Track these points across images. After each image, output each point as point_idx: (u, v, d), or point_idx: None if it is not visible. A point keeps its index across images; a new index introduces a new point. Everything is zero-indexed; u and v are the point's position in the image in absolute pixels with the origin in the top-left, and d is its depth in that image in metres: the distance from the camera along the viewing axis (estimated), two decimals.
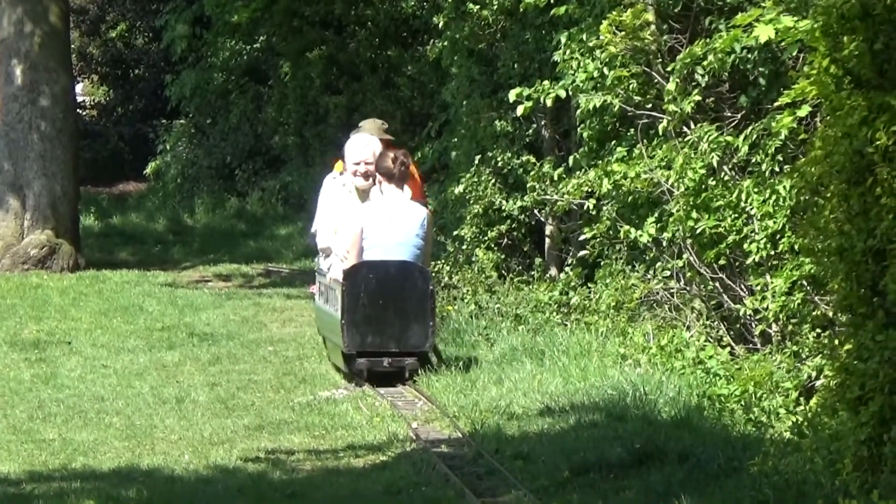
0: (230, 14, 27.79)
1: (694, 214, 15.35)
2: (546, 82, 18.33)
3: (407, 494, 11.48)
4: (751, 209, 14.93)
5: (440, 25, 22.27)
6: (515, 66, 20.03)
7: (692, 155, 15.49)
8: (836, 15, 10.04)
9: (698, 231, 15.47)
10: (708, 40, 15.91)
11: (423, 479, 11.95)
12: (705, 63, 15.82)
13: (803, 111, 14.11)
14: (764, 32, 14.53)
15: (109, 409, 15.06)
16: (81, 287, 23.43)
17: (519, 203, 19.66)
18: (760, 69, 15.82)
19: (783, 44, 14.50)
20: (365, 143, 14.81)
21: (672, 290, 16.76)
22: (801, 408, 12.01)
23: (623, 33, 16.63)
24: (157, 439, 13.90)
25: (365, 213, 13.14)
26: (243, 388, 16.21)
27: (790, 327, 14.13)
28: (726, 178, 15.68)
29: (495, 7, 19.11)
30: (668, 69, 16.58)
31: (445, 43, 21.72)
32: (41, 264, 24.18)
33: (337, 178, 16.06)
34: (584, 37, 18.01)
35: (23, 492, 11.92)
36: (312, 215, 18.79)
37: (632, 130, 17.57)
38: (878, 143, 9.39)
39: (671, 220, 16.21)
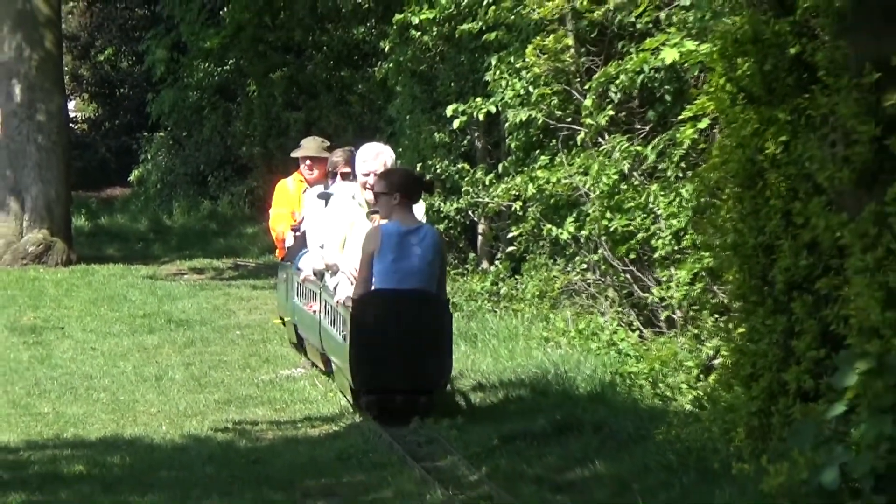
0: (203, 40, 27.69)
1: (608, 215, 15.27)
2: (479, 99, 18.33)
3: (356, 460, 11.43)
4: (657, 210, 14.91)
5: (386, 50, 22.14)
6: (452, 85, 20.02)
7: (606, 162, 15.43)
8: (732, 40, 10.06)
9: (612, 229, 15.42)
10: (620, 62, 15.89)
11: (370, 446, 11.86)
12: (618, 82, 15.80)
13: (703, 124, 14.06)
14: (669, 55, 14.58)
15: (97, 386, 15.03)
16: (73, 279, 23.34)
17: (455, 205, 19.55)
18: (666, 87, 15.78)
19: (686, 65, 14.54)
20: (376, 152, 13.79)
21: (589, 281, 16.73)
22: (701, 384, 11.98)
23: (546, 56, 16.64)
24: (138, 412, 13.87)
25: (377, 235, 11.67)
26: (214, 368, 16.21)
27: (691, 313, 14.12)
28: (636, 182, 15.62)
29: (434, 33, 18.98)
30: (586, 87, 16.54)
31: (391, 65, 21.51)
32: (38, 259, 24.11)
33: (313, 190, 15.73)
34: (512, 59, 18.00)
35: (20, 458, 11.93)
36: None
37: (554, 141, 17.56)
38: (767, 151, 9.43)
39: (588, 219, 16.17)
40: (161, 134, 32.99)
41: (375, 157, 13.32)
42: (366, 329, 11.22)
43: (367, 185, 13.11)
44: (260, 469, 11.56)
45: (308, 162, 16.55)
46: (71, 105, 32.29)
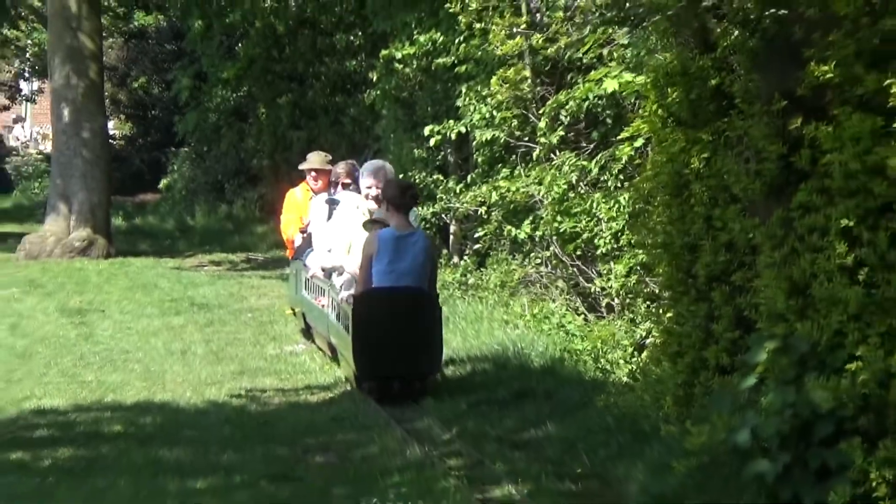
0: (221, 71, 27.55)
1: (558, 218, 15.20)
2: (451, 121, 18.26)
3: (349, 422, 11.40)
4: (600, 214, 14.81)
5: (374, 79, 21.99)
6: (429, 109, 19.86)
7: (557, 175, 15.32)
8: (663, 73, 10.06)
9: (561, 230, 15.36)
10: (569, 91, 15.81)
11: (360, 411, 11.83)
12: (567, 107, 15.72)
13: (638, 143, 13.97)
14: (610, 85, 14.51)
15: (132, 359, 14.99)
16: (112, 270, 23.20)
17: (431, 210, 19.35)
18: (607, 112, 15.76)
19: (624, 93, 14.47)
20: (377, 168, 13.70)
21: (542, 273, 16.61)
22: (635, 359, 11.95)
23: (507, 85, 16.53)
24: (166, 381, 13.81)
25: (375, 240, 11.59)
26: (230, 344, 16.13)
27: (627, 300, 14.06)
28: (582, 191, 15.47)
29: (414, 66, 18.87)
30: (540, 112, 16.43)
31: (378, 92, 21.32)
32: (83, 253, 24.02)
33: (319, 198, 15.51)
34: (479, 88, 17.87)
35: (68, 419, 11.92)
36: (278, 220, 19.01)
37: (513, 157, 17.48)
38: (692, 166, 9.44)
39: (542, 222, 16.05)
40: (185, 149, 32.88)
41: (377, 172, 13.19)
42: (366, 323, 11.10)
43: (370, 196, 13.00)
44: (267, 429, 11.53)
45: (313, 173, 16.31)
46: (111, 125, 32.15)
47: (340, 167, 15.64)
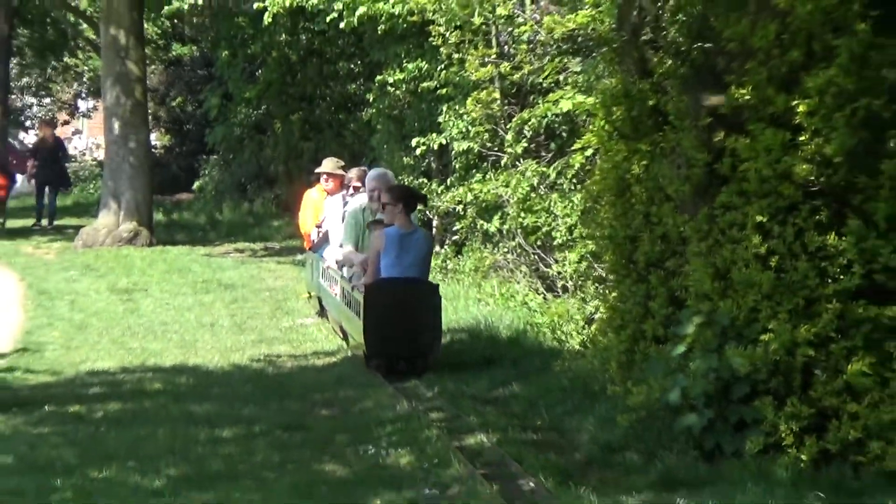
0: (244, 92, 27.32)
1: (522, 215, 15.15)
2: (434, 134, 18.19)
3: (349, 381, 11.37)
4: (556, 211, 14.79)
5: (371, 100, 21.68)
6: (416, 124, 19.58)
7: (521, 179, 15.25)
8: (609, 95, 10.00)
9: (524, 224, 15.30)
10: (531, 109, 15.77)
11: (358, 372, 11.80)
12: (530, 123, 15.67)
13: (589, 152, 13.87)
14: (566, 105, 14.45)
15: (170, 330, 14.96)
16: (153, 256, 22.99)
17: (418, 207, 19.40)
18: (563, 127, 15.71)
19: (577, 112, 14.42)
20: (381, 174, 13.35)
21: (508, 260, 16.49)
22: (586, 331, 11.89)
23: (480, 105, 16.48)
24: (198, 348, 13.80)
25: (383, 237, 11.32)
26: (251, 317, 16.07)
27: (579, 283, 14.02)
28: (542, 193, 15.40)
29: (403, 89, 18.79)
30: (507, 127, 16.32)
31: (374, 110, 21.12)
32: (130, 242, 23.78)
33: (335, 198, 15.25)
34: (457, 107, 17.74)
35: (116, 379, 11.92)
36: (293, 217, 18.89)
37: (485, 164, 17.41)
38: (633, 172, 9.37)
39: (508, 218, 16.00)
40: (214, 156, 32.60)
41: (380, 177, 12.89)
42: (375, 308, 10.88)
43: (374, 198, 12.68)
44: (282, 387, 11.52)
45: (325, 176, 16.07)
46: (152, 136, 32.00)
47: (352, 172, 15.42)
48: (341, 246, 13.81)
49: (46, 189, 29.12)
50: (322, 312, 15.47)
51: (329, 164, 16.18)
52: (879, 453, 7.24)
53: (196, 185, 34.35)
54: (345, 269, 13.28)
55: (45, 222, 28.41)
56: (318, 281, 15.49)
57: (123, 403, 10.67)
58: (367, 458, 8.66)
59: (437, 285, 11.62)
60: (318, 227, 16.08)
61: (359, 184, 14.64)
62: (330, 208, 15.57)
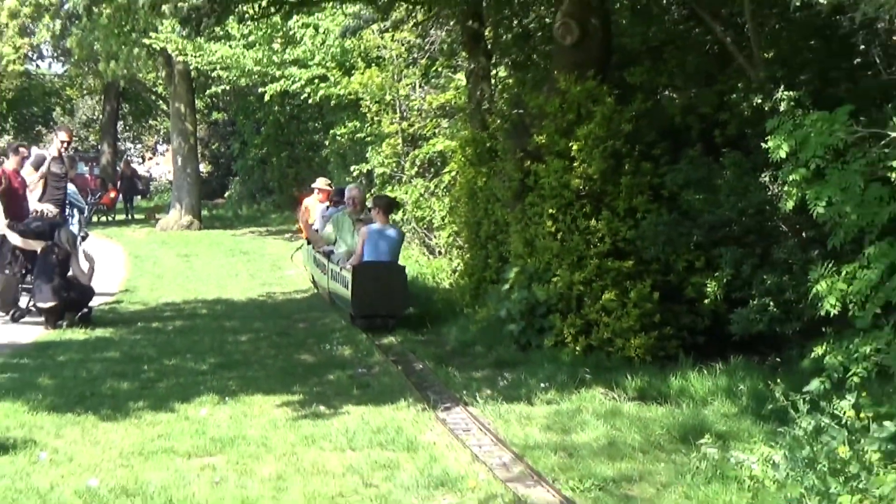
0: (254, 140, 26.50)
1: (415, 210, 14.61)
2: (364, 164, 17.08)
3: (316, 308, 11.02)
4: (434, 208, 14.24)
5: (327, 143, 21.04)
6: (354, 157, 18.95)
7: (414, 189, 14.81)
8: (464, 139, 9.87)
9: (416, 215, 14.71)
10: (420, 149, 15.18)
11: (321, 302, 11.41)
12: (419, 157, 15.11)
13: (453, 173, 13.52)
14: (440, 146, 14.14)
15: (212, 277, 14.39)
16: (201, 236, 22.24)
17: None
18: (438, 159, 15.09)
19: (446, 150, 14.02)
20: (352, 188, 11.79)
21: (407, 237, 16.17)
22: (452, 277, 11.46)
23: (390, 147, 15.97)
24: (227, 287, 13.23)
25: (366, 232, 9.69)
26: (260, 271, 15.52)
27: (448, 249, 13.63)
28: (426, 197, 14.91)
29: (346, 137, 18.08)
30: (406, 159, 15.83)
31: (329, 150, 20.20)
32: (187, 227, 23.09)
33: (322, 207, 13.65)
34: (378, 148, 16.74)
35: (179, 307, 11.27)
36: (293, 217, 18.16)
37: (393, 180, 16.66)
38: (478, 184, 9.23)
39: (408, 212, 15.16)
40: (237, 178, 31.86)
41: (352, 190, 11.36)
42: (360, 282, 9.28)
43: (350, 203, 11.02)
44: (277, 310, 11.12)
45: (317, 190, 14.40)
46: (200, 166, 31.07)
47: (351, 189, 14.49)
48: (318, 231, 12.54)
49: (130, 198, 28.62)
50: (314, 282, 13.84)
51: (321, 182, 14.79)
52: (621, 346, 7.13)
53: (227, 194, 33.49)
54: (332, 255, 11.52)
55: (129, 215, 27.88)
56: (311, 264, 14.05)
57: (183, 321, 10.27)
58: (325, 352, 8.41)
59: (405, 266, 10.06)
60: (311, 224, 14.69)
61: (337, 197, 13.25)
62: (319, 210, 14.27)
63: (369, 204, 11.77)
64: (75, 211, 13.90)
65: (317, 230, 12.70)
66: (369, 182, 19.54)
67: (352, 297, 9.16)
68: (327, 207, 12.98)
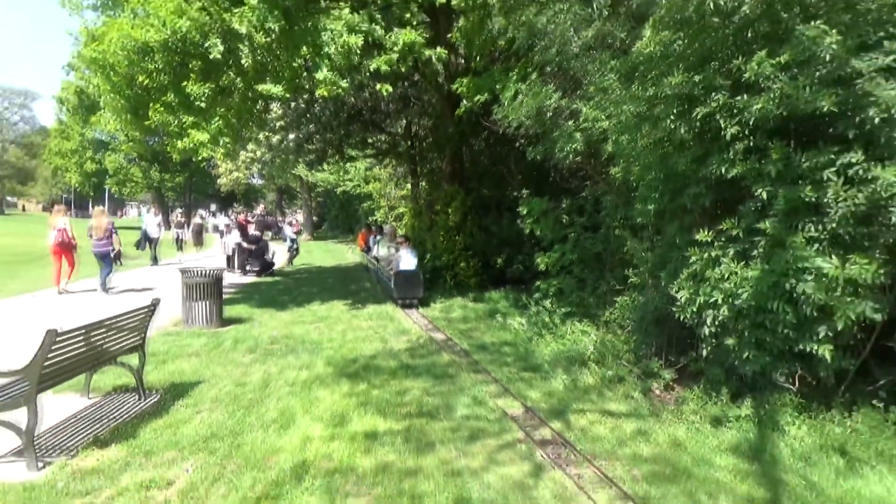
0: (333, 207, 26.90)
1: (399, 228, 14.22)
2: (373, 216, 19.14)
3: (367, 278, 11.72)
4: (406, 223, 13.27)
5: (359, 209, 22.58)
6: (369, 214, 20.75)
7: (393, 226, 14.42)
8: (411, 207, 11.25)
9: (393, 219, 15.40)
10: (394, 210, 15.32)
11: (371, 275, 11.84)
12: (394, 214, 16.26)
13: (405, 220, 13.51)
14: (402, 209, 14.11)
15: (317, 259, 15.91)
16: (315, 245, 22.95)
17: None
18: (402, 214, 15.51)
19: (404, 211, 13.78)
20: (388, 226, 11.77)
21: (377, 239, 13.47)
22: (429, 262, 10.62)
23: (383, 210, 16.87)
24: (325, 262, 14.54)
25: (401, 251, 9.58)
26: (339, 257, 16.34)
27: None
28: (397, 224, 15.71)
29: (366, 207, 19.76)
30: (390, 214, 17.12)
31: (360, 211, 21.85)
32: (310, 240, 23.60)
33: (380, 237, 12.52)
34: (379, 211, 18.89)
35: (300, 270, 12.96)
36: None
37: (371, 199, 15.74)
38: (416, 224, 10.90)
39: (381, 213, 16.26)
40: (326, 222, 32.03)
41: (388, 227, 11.22)
42: (398, 281, 9.14)
43: (389, 236, 11.50)
44: (345, 272, 12.49)
45: (364, 228, 15.02)
46: (314, 216, 29.49)
47: (386, 228, 14.59)
48: (370, 248, 12.57)
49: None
50: (367, 271, 12.69)
51: (367, 225, 15.41)
52: (467, 283, 8.80)
53: (322, 227, 32.93)
54: (381, 261, 10.73)
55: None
56: (364, 259, 13.52)
57: (309, 274, 12.00)
58: (362, 286, 9.98)
59: (421, 271, 9.26)
60: (367, 244, 13.46)
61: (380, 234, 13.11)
62: (369, 238, 13.65)
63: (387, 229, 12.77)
64: (289, 238, 14.53)
65: (370, 248, 12.61)
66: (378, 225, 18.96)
67: (394, 288, 8.98)
68: (374, 236, 13.12)
